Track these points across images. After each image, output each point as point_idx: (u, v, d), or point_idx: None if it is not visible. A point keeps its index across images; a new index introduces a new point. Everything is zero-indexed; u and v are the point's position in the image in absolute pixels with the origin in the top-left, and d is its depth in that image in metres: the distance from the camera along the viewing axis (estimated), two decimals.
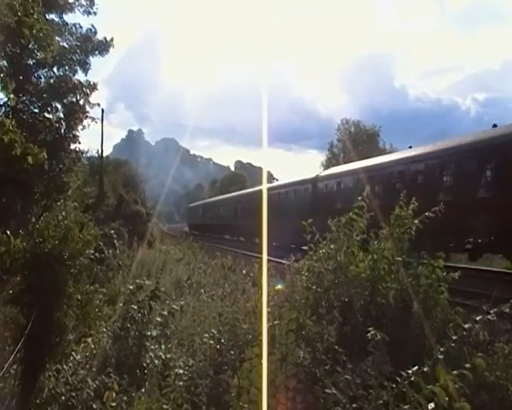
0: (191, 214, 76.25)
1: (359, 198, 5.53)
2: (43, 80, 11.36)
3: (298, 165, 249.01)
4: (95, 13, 12.53)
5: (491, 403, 4.19)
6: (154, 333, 5.26)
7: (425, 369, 2.64)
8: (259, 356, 3.40)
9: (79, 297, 6.79)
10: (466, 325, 3.27)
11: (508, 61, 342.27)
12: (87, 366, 4.96)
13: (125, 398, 3.96)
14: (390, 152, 43.17)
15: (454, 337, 2.99)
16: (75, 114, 11.29)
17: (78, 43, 11.72)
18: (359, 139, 59.58)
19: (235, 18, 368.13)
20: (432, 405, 2.45)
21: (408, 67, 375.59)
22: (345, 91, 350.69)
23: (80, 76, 12.18)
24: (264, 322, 3.88)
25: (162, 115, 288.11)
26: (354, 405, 2.98)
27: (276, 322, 3.83)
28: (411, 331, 4.66)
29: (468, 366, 2.58)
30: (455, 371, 2.54)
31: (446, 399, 2.43)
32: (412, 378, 2.65)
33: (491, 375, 4.63)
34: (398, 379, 2.75)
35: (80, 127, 11.87)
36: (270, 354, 3.48)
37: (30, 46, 9.65)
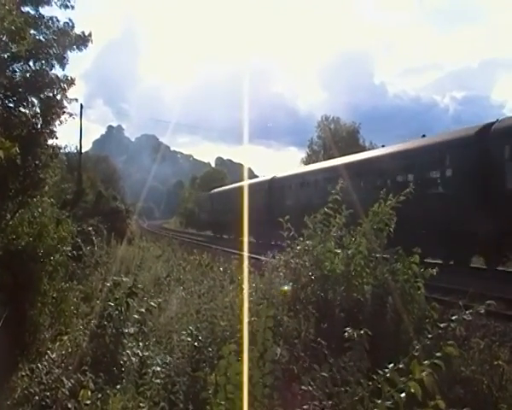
0: (221, 205, 43.69)
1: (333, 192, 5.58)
2: (18, 74, 11.07)
3: (278, 161, 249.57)
4: (72, 6, 12.23)
5: (466, 397, 4.25)
6: (132, 330, 5.21)
7: (401, 366, 2.65)
8: (237, 353, 3.39)
9: (54, 295, 6.69)
10: (442, 325, 3.30)
11: (485, 61, 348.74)
12: (63, 364, 4.88)
13: (99, 396, 3.91)
14: (370, 149, 43.60)
15: (429, 336, 3.02)
16: (52, 110, 11.02)
17: (55, 37, 11.44)
18: (339, 136, 59.94)
19: (216, 14, 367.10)
20: (403, 394, 2.47)
21: (387, 65, 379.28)
22: (324, 88, 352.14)
23: (57, 70, 11.92)
24: (245, 319, 3.86)
25: (141, 111, 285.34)
26: (330, 401, 2.99)
27: (253, 319, 3.82)
28: (388, 327, 4.69)
29: (439, 354, 2.60)
30: (426, 362, 2.56)
31: (420, 393, 2.44)
32: (388, 375, 2.66)
33: (466, 370, 4.71)
34: (374, 376, 2.77)
35: (57, 123, 11.59)
36: (248, 350, 3.47)
37: (4, 38, 9.41)
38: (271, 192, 33.19)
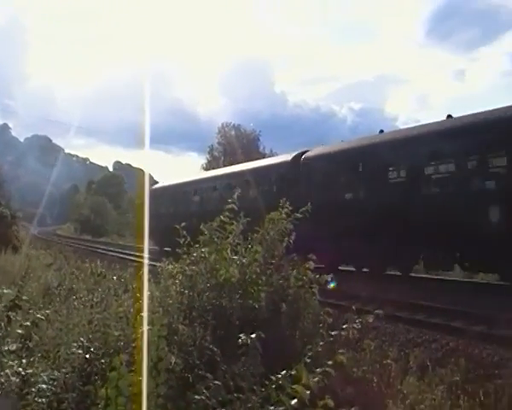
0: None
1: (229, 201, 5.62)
2: None
3: (178, 167, 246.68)
4: None
5: (357, 397, 4.48)
6: (14, 347, 4.82)
7: (292, 372, 2.72)
8: (129, 363, 3.28)
9: None
10: (333, 333, 3.47)
11: (380, 75, 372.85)
12: None
13: None
14: (270, 156, 44.48)
15: (321, 343, 3.15)
16: None
17: None
18: (240, 143, 60.64)
19: (114, 15, 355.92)
20: (295, 401, 2.54)
21: (288, 74, 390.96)
22: (225, 95, 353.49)
23: None
24: (145, 327, 3.74)
25: (32, 110, 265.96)
26: (223, 409, 2.99)
27: (148, 328, 3.72)
28: (283, 333, 4.79)
29: (330, 363, 2.72)
30: (318, 369, 2.66)
31: (308, 396, 2.52)
32: (280, 382, 2.72)
33: (358, 370, 4.96)
34: (267, 383, 2.82)
35: None
36: (141, 361, 3.38)
37: None
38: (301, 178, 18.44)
